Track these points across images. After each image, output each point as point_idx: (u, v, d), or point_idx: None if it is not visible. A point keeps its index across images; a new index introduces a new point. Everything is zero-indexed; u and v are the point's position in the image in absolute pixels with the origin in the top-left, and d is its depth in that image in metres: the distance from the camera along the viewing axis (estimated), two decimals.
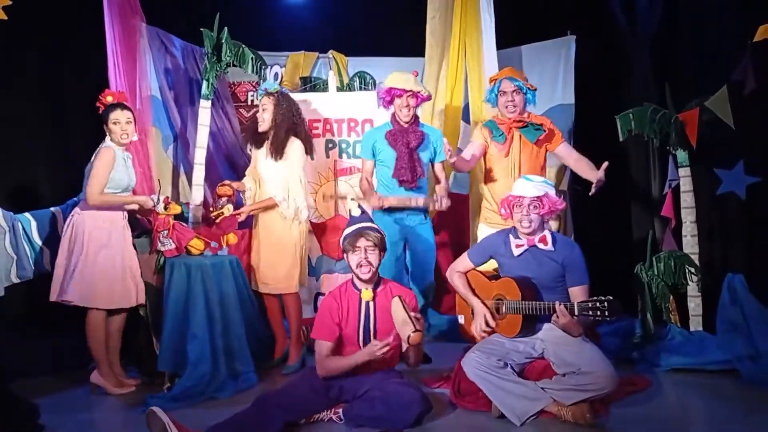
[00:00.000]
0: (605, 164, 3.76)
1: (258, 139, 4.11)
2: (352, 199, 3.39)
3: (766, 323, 3.67)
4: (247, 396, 3.21)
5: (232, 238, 4.04)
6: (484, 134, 4.14)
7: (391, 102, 4.13)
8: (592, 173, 3.90)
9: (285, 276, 4.06)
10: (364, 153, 4.22)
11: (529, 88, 4.05)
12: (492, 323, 3.30)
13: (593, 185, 3.84)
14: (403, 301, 3.08)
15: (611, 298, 2.90)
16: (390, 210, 4.11)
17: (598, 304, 2.92)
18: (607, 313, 2.90)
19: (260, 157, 4.10)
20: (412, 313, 3.04)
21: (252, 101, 5.21)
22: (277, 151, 4.00)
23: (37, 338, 4.11)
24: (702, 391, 3.53)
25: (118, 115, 3.66)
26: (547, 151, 4.14)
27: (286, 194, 4.01)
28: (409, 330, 2.99)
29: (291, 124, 4.05)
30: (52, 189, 4.30)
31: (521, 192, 3.33)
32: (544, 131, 4.01)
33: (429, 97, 4.33)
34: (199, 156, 4.35)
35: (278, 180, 4.03)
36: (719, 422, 3.15)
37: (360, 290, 3.25)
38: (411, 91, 4.06)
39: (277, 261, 4.05)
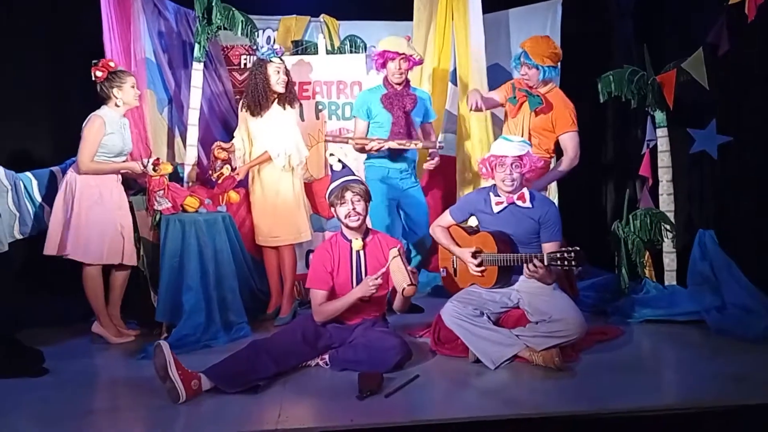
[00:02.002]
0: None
1: (264, 99, 4.19)
2: (332, 155, 3.53)
3: (733, 276, 3.84)
4: (240, 345, 3.36)
5: (234, 195, 4.20)
6: (505, 91, 4.27)
7: (384, 65, 4.26)
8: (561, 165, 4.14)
9: (287, 227, 4.25)
10: (358, 113, 4.35)
11: (543, 64, 4.03)
12: (475, 261, 3.43)
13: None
14: (401, 254, 3.25)
15: (578, 248, 3.07)
16: (383, 176, 4.29)
17: (566, 254, 3.09)
18: (573, 262, 3.07)
19: (254, 118, 4.23)
20: (410, 267, 3.23)
21: (245, 64, 5.30)
22: (291, 103, 4.23)
23: (39, 292, 4.29)
24: (669, 340, 3.71)
25: (133, 81, 3.87)
26: (557, 135, 4.17)
27: (279, 147, 4.17)
28: (404, 283, 3.18)
29: (291, 82, 4.31)
30: (51, 149, 4.43)
31: (503, 151, 3.45)
32: (542, 103, 4.06)
33: (421, 61, 4.48)
34: (193, 117, 4.48)
35: (271, 135, 4.18)
36: (683, 366, 3.36)
37: (350, 240, 3.42)
38: (404, 54, 4.19)
39: (275, 213, 4.23)
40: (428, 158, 4.39)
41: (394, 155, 4.28)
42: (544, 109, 4.10)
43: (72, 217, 3.72)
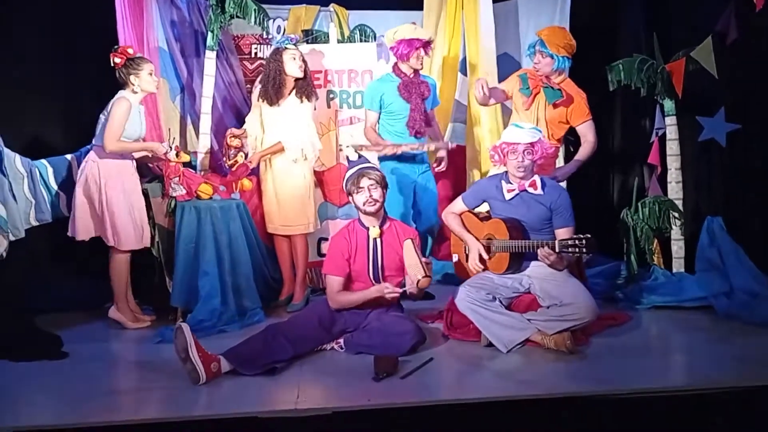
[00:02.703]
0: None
1: (280, 87, 4.22)
2: (348, 146, 3.58)
3: (740, 262, 3.90)
4: (254, 330, 3.41)
5: (247, 183, 4.24)
6: (513, 83, 4.30)
7: (408, 55, 4.26)
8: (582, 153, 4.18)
9: (297, 217, 4.29)
10: (370, 105, 4.38)
11: (558, 54, 4.07)
12: (485, 256, 3.52)
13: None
14: (414, 245, 3.31)
15: (589, 235, 3.13)
16: (397, 163, 4.34)
17: (577, 242, 3.15)
18: (584, 249, 3.13)
19: (268, 106, 4.26)
20: (423, 259, 3.28)
21: (256, 54, 5.34)
22: (309, 96, 4.26)
23: (55, 278, 4.35)
24: (677, 325, 3.77)
25: (151, 68, 3.89)
26: (570, 125, 4.23)
27: (294, 141, 4.22)
28: (419, 275, 3.23)
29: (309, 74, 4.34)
30: (66, 137, 4.48)
31: (515, 139, 3.49)
32: (562, 96, 4.10)
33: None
34: (205, 105, 4.53)
35: (286, 125, 4.22)
36: (691, 350, 3.43)
37: (368, 228, 3.47)
38: (427, 40, 4.27)
39: (289, 203, 4.27)
40: (435, 163, 4.47)
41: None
42: (564, 102, 4.13)
43: (103, 204, 3.77)
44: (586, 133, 4.18)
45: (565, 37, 4.14)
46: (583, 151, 4.20)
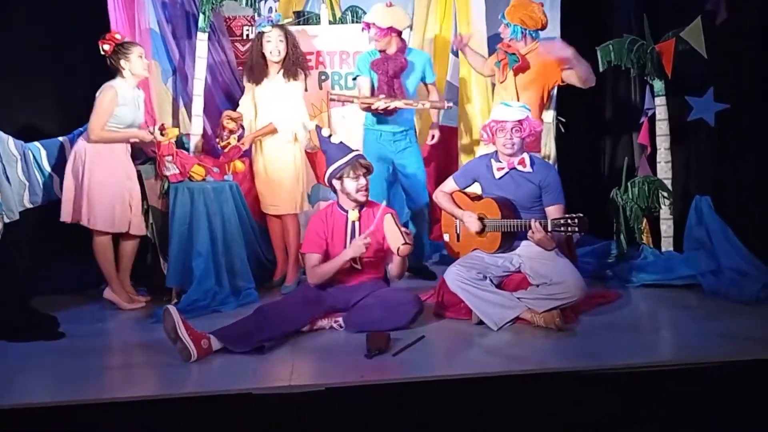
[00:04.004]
0: None
1: (260, 69, 4.27)
2: (330, 135, 3.61)
3: (728, 241, 3.94)
4: (248, 310, 3.45)
5: (240, 165, 4.25)
6: (492, 59, 4.40)
7: (371, 36, 4.31)
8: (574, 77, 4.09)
9: (286, 198, 4.31)
10: (361, 71, 4.39)
11: (513, 23, 4.15)
12: (478, 224, 3.51)
13: None
14: (394, 217, 3.37)
15: (581, 215, 3.17)
16: (380, 132, 4.36)
17: (569, 221, 3.19)
18: (576, 228, 3.17)
19: (261, 86, 4.29)
20: (403, 229, 3.32)
21: (247, 35, 5.31)
22: (294, 75, 4.25)
23: (51, 259, 4.37)
24: (666, 302, 3.83)
25: (141, 51, 3.90)
26: (550, 87, 4.26)
27: (285, 121, 4.23)
28: (399, 242, 3.28)
29: (299, 53, 4.32)
30: (59, 120, 4.47)
31: (503, 116, 3.53)
32: (518, 61, 4.12)
33: (394, 30, 4.32)
34: (198, 87, 4.53)
35: (276, 106, 4.24)
36: (678, 326, 3.49)
37: (347, 211, 3.51)
38: (381, 27, 4.21)
39: (278, 183, 4.30)
40: (443, 102, 4.43)
41: (387, 116, 4.30)
42: (521, 67, 4.15)
43: (84, 185, 3.79)
44: (572, 78, 4.10)
45: (526, 9, 4.16)
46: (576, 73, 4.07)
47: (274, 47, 4.22)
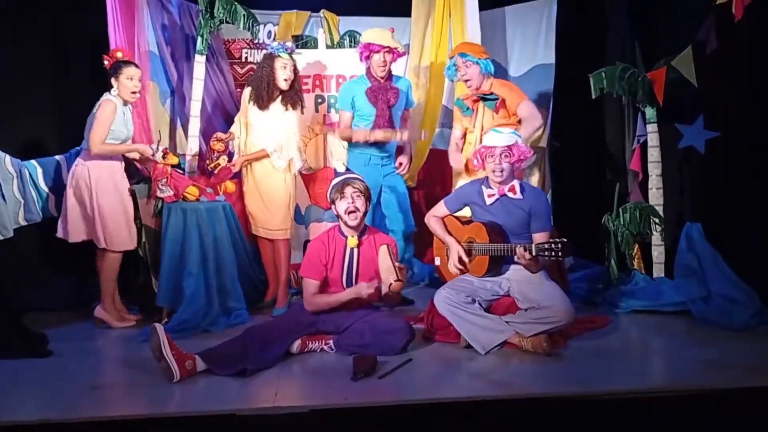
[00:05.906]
0: None
1: (270, 94, 4.27)
2: (337, 160, 3.67)
3: (718, 268, 3.94)
4: (238, 331, 3.47)
5: (231, 186, 4.29)
6: (457, 114, 4.40)
7: (369, 57, 4.34)
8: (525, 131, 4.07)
9: (279, 223, 4.33)
10: (343, 105, 4.42)
11: (480, 58, 4.19)
12: (465, 259, 3.57)
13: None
14: (390, 251, 3.38)
15: (564, 240, 3.18)
16: (363, 166, 4.35)
17: (553, 245, 3.19)
18: (560, 252, 3.18)
19: (256, 109, 4.31)
20: (397, 264, 3.34)
21: (246, 58, 5.40)
22: (294, 105, 4.30)
23: (42, 276, 4.40)
24: (655, 328, 3.83)
25: (132, 72, 3.93)
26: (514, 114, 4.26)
27: (277, 146, 4.25)
28: (392, 278, 3.30)
29: (300, 84, 4.39)
30: (56, 138, 4.53)
31: (492, 142, 3.56)
32: (497, 98, 4.17)
33: (404, 53, 4.54)
34: (195, 109, 4.59)
35: (270, 132, 4.26)
36: (667, 353, 3.49)
37: (346, 237, 3.53)
38: (388, 47, 4.28)
39: (271, 209, 4.31)
40: (397, 165, 4.47)
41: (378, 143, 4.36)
42: (501, 103, 4.18)
43: (94, 206, 3.84)
44: (524, 112, 4.16)
45: (479, 46, 4.29)
46: (526, 128, 4.11)
47: (288, 74, 4.25)
